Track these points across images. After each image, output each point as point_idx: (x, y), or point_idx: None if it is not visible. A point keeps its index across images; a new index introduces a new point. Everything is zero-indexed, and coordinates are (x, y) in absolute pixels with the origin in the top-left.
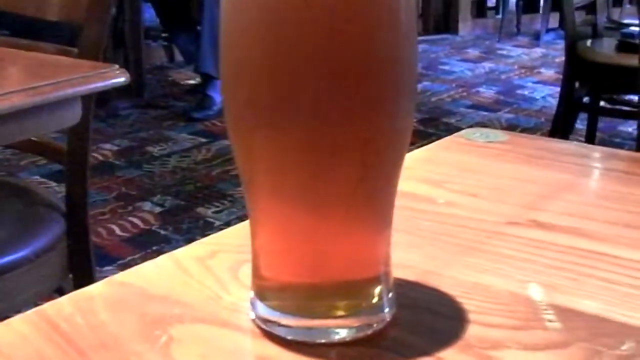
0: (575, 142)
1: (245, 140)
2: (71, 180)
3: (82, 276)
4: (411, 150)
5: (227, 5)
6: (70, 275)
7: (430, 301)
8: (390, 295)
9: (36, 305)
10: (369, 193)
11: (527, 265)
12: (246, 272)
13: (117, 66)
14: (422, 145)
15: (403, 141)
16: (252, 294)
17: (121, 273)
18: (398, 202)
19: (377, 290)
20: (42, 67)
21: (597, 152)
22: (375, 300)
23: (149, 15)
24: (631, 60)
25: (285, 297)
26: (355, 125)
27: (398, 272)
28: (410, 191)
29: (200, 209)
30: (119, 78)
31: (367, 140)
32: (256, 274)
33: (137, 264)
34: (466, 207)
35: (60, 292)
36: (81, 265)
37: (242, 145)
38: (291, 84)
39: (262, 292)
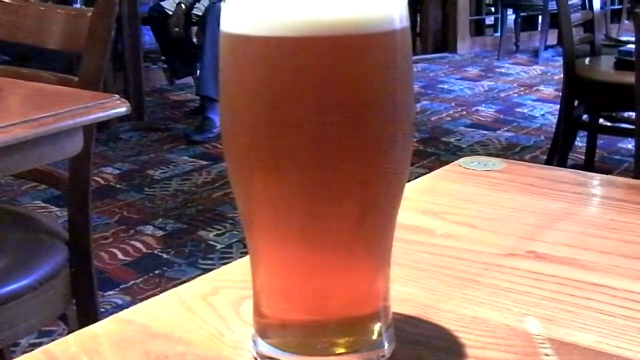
0: (571, 170)
1: (246, 183)
2: (73, 208)
3: (85, 303)
4: (410, 180)
5: (224, 54)
6: (74, 302)
7: (429, 336)
8: (389, 330)
9: (40, 332)
10: (368, 233)
11: (525, 298)
12: (248, 309)
13: (117, 96)
14: (422, 165)
15: (401, 181)
16: (253, 331)
17: (125, 311)
18: (397, 234)
19: (377, 326)
20: (43, 97)
21: (593, 179)
22: (374, 336)
23: (149, 38)
24: (629, 78)
25: (286, 335)
26: (353, 168)
27: (397, 306)
28: (410, 223)
29: (202, 232)
30: (120, 108)
31: (365, 183)
32: (257, 311)
33: (139, 288)
34: (465, 239)
35: (64, 319)
36: (84, 292)
37: (243, 188)
38: (289, 130)
39: (264, 329)
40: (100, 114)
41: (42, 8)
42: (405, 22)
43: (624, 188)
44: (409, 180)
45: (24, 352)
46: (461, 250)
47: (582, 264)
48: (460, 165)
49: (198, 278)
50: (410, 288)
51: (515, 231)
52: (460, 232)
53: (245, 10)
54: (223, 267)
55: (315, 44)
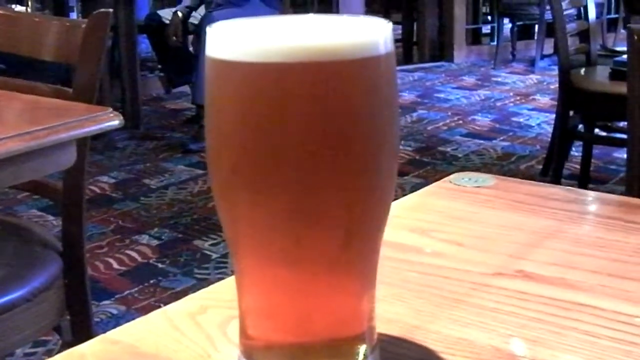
0: (561, 187)
1: (230, 206)
2: (67, 219)
3: (79, 314)
4: (401, 195)
5: (210, 78)
6: (67, 313)
7: (414, 357)
8: (375, 352)
9: (34, 342)
10: (352, 255)
11: (511, 319)
12: (235, 329)
13: (110, 109)
14: (417, 175)
15: (386, 204)
16: (239, 352)
17: (113, 331)
18: (385, 252)
19: (362, 348)
20: (37, 110)
21: (583, 196)
22: (360, 358)
23: (145, 46)
24: (623, 88)
25: (271, 356)
26: (338, 193)
27: (383, 326)
28: (398, 241)
29: (197, 242)
30: (113, 121)
31: (350, 207)
32: (243, 333)
33: (134, 297)
34: (453, 258)
35: (58, 330)
36: (78, 303)
37: (228, 211)
38: (273, 155)
39: (249, 351)
40: (94, 127)
41: (36, 19)
42: (390, 47)
43: (613, 205)
44: (400, 196)
45: None
46: (449, 269)
47: (569, 283)
48: (450, 182)
49: (186, 297)
50: (397, 308)
51: (504, 250)
52: (449, 251)
53: (230, 35)
54: (212, 286)
55: (300, 70)
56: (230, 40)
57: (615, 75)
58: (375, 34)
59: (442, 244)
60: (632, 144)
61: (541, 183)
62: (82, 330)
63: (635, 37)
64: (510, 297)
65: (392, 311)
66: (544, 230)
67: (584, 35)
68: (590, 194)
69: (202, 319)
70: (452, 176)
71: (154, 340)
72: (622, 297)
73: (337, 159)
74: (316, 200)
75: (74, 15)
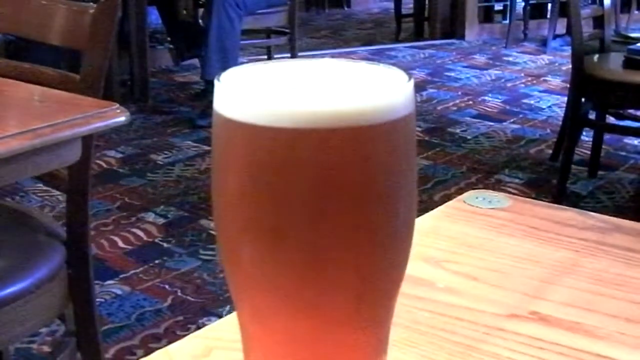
0: (578, 211)
1: (236, 270)
2: (72, 209)
3: (83, 303)
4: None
5: (217, 134)
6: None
7: None
8: None
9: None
10: (363, 321)
11: None
12: None
13: (117, 105)
14: (426, 156)
15: (400, 271)
16: None
17: None
18: None
19: None
20: (41, 104)
21: (601, 222)
22: None
23: (155, 17)
24: (637, 77)
25: None
26: (350, 261)
27: None
28: (410, 273)
29: (203, 221)
30: (119, 118)
31: (362, 275)
32: None
33: (139, 278)
34: (466, 295)
35: (62, 318)
36: (82, 293)
37: (234, 274)
38: (283, 221)
39: None
40: (99, 124)
41: (44, 2)
42: (411, 108)
43: (631, 235)
44: None
45: (20, 345)
46: (462, 308)
47: (586, 329)
48: (464, 202)
49: (190, 336)
50: (409, 356)
51: (519, 286)
52: (462, 286)
53: (239, 94)
54: (216, 323)
55: (311, 137)
56: (240, 100)
57: (629, 64)
58: (395, 95)
59: (455, 277)
60: None
61: (557, 206)
62: (85, 319)
63: None
64: (525, 344)
65: (402, 359)
66: (560, 263)
67: (598, 21)
68: (609, 220)
69: None
70: (465, 195)
71: None
72: None
73: (350, 227)
74: (327, 266)
75: None
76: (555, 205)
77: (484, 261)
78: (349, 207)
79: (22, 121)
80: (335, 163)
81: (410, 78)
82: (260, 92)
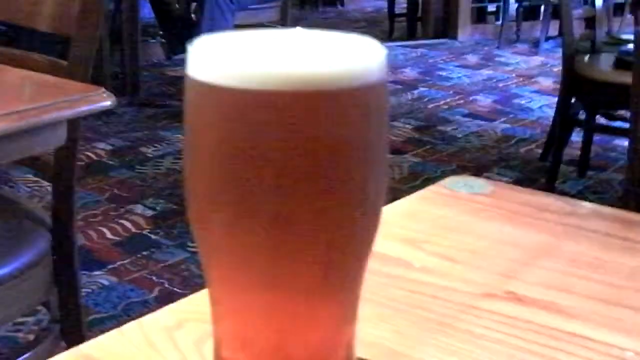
0: (559, 197)
1: (206, 235)
2: (58, 196)
3: (68, 290)
4: (393, 176)
5: (188, 99)
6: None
7: None
8: None
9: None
10: (333, 289)
11: (498, 347)
12: (211, 347)
13: (102, 89)
14: (416, 154)
15: (370, 241)
16: None
17: (87, 344)
18: (373, 265)
19: None
20: (27, 86)
21: (581, 209)
22: None
23: (148, 11)
24: (628, 78)
25: None
26: (318, 230)
27: (365, 350)
28: (388, 253)
29: None
30: (105, 102)
31: (331, 244)
32: (218, 356)
33: (126, 269)
34: (443, 274)
35: (47, 305)
36: (66, 280)
37: (204, 240)
38: (251, 186)
39: None
40: (85, 108)
41: None
42: (383, 75)
43: (611, 221)
44: (398, 174)
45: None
46: (438, 287)
47: (561, 309)
48: (445, 187)
49: (164, 308)
50: (381, 330)
51: (496, 267)
52: (439, 266)
53: (211, 57)
54: (191, 297)
55: (281, 99)
56: (209, 62)
57: (619, 65)
58: (366, 61)
59: (432, 258)
60: (634, 138)
61: (538, 191)
62: (70, 307)
63: None
64: (499, 322)
65: (374, 334)
66: (538, 246)
67: (590, 22)
68: (588, 206)
69: (179, 334)
70: (447, 180)
71: (127, 356)
72: (615, 327)
73: (319, 195)
74: (294, 235)
75: None
76: (537, 191)
77: (462, 243)
78: (318, 172)
79: (7, 103)
80: (304, 126)
81: (384, 49)
82: (230, 54)
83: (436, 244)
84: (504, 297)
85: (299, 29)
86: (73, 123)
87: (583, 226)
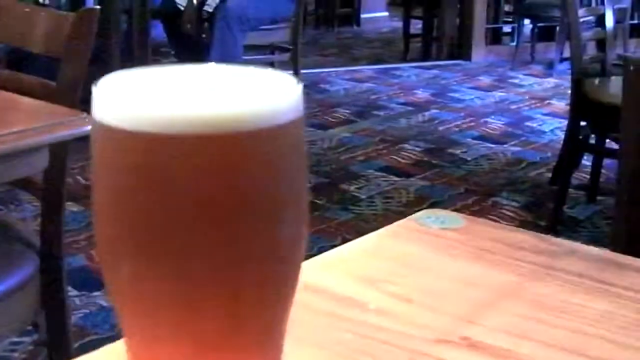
0: (534, 234)
1: (115, 283)
2: (46, 219)
3: (55, 313)
4: (400, 200)
5: (92, 138)
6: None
7: None
8: None
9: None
10: (247, 343)
11: None
12: None
13: (85, 114)
14: (424, 177)
15: (285, 291)
16: None
17: None
18: (325, 305)
19: None
20: (11, 110)
21: (555, 246)
22: None
23: (160, 31)
24: None
25: None
26: (224, 280)
27: None
28: (342, 292)
29: None
30: (87, 127)
31: (238, 295)
32: None
33: None
34: (397, 317)
35: (36, 326)
36: (54, 303)
37: (112, 286)
38: (153, 236)
39: None
40: (65, 133)
41: (27, 10)
42: (297, 114)
43: (585, 260)
44: (405, 198)
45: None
46: (390, 332)
47: (516, 357)
48: (415, 221)
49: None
50: None
51: (454, 309)
52: (395, 308)
53: (110, 98)
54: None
55: (179, 144)
56: (108, 103)
57: None
58: (278, 100)
59: (389, 298)
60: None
61: (514, 228)
62: (57, 329)
63: (631, 68)
64: None
65: None
66: (502, 286)
67: (601, 44)
68: (564, 244)
69: None
70: (418, 214)
71: None
72: None
73: (218, 246)
74: (197, 286)
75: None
76: (512, 227)
77: (423, 283)
78: (219, 223)
79: None
80: (204, 173)
81: (298, 82)
82: (127, 95)
83: (395, 284)
84: (458, 343)
85: (212, 64)
86: (58, 146)
87: (555, 266)
